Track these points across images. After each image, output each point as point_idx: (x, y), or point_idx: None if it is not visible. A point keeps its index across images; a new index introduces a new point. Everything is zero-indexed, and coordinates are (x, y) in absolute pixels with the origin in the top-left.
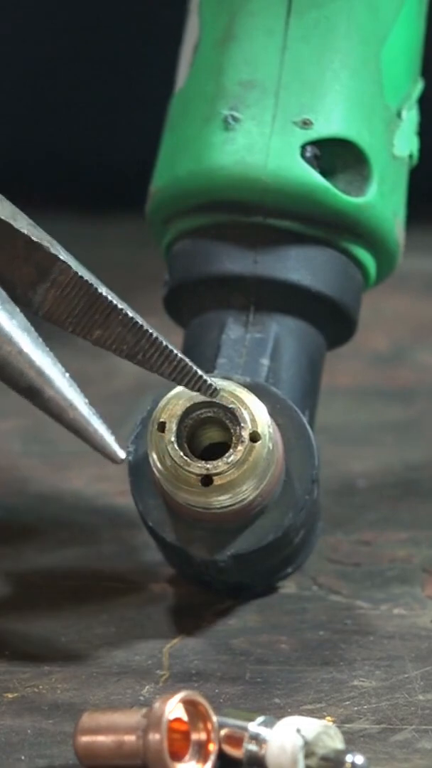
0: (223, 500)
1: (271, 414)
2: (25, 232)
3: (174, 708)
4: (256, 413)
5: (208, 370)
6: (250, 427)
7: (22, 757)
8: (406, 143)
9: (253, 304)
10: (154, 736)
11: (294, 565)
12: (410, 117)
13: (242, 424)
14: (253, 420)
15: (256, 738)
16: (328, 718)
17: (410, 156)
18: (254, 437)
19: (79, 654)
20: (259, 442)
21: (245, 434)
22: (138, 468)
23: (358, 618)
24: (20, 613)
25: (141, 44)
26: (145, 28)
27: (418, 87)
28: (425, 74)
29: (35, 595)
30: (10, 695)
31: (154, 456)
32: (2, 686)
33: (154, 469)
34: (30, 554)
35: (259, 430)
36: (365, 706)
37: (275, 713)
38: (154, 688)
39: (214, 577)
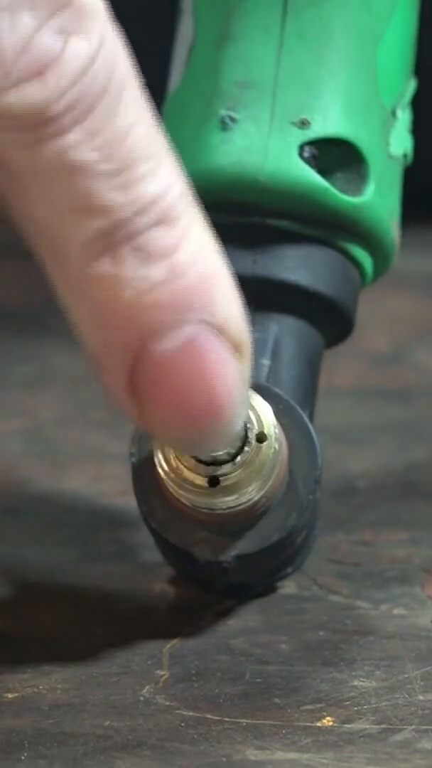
0: (228, 501)
1: (275, 414)
2: None
3: None
4: (262, 414)
5: None
6: (256, 427)
7: (22, 757)
8: (401, 142)
9: (252, 304)
10: None
11: (294, 565)
12: (404, 116)
13: (248, 425)
14: (259, 421)
15: None
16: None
17: (404, 155)
18: (261, 438)
19: (79, 654)
20: (265, 443)
21: (252, 435)
22: (141, 469)
23: (358, 618)
24: (20, 613)
25: (133, 43)
26: (136, 28)
27: (411, 86)
28: (417, 74)
29: (35, 595)
30: (10, 695)
31: (160, 457)
32: (2, 686)
33: (160, 470)
34: (30, 554)
35: (266, 431)
36: (365, 706)
37: (275, 713)
38: (154, 688)
39: (217, 578)
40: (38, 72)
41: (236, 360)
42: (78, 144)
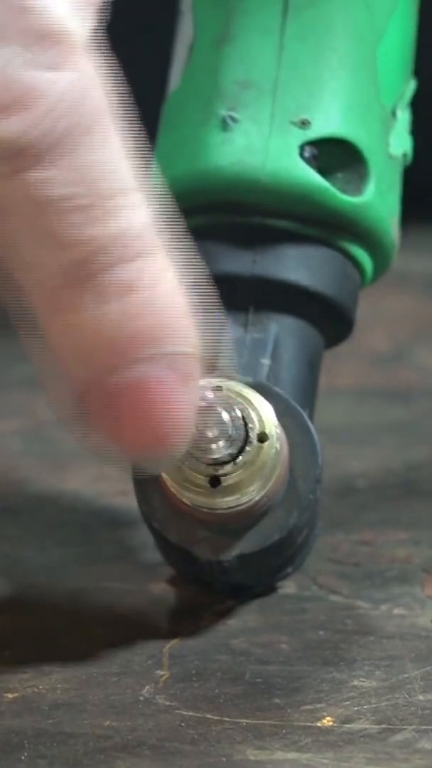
0: (229, 501)
1: (276, 414)
2: None
3: None
4: (263, 413)
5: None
6: (257, 427)
7: (22, 757)
8: (401, 142)
9: (252, 304)
10: None
11: (294, 565)
12: (404, 116)
13: (250, 425)
14: (260, 420)
15: None
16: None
17: (404, 155)
18: (262, 438)
19: (79, 654)
20: (266, 443)
21: (253, 435)
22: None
23: (358, 618)
24: (20, 613)
25: (132, 44)
26: (135, 29)
27: (411, 86)
28: (417, 74)
29: (35, 595)
30: (10, 695)
31: None
32: (2, 686)
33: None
34: (30, 554)
35: (267, 431)
36: (365, 706)
37: (275, 713)
38: (154, 688)
39: (217, 578)
40: (14, 105)
41: (186, 391)
42: (51, 177)
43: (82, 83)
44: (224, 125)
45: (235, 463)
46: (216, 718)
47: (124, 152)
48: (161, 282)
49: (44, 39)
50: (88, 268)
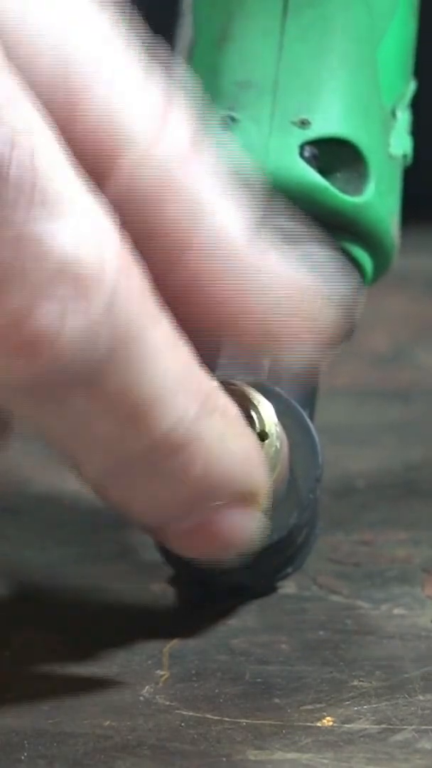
0: None
1: (276, 413)
2: None
3: None
4: (264, 413)
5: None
6: (257, 426)
7: (22, 757)
8: (401, 143)
9: None
10: None
11: (294, 565)
12: (404, 117)
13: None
14: (260, 419)
15: None
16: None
17: (404, 156)
18: (262, 436)
19: (79, 654)
20: (266, 441)
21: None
22: None
23: (358, 618)
24: (20, 613)
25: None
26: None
27: (411, 87)
28: (417, 75)
29: (35, 596)
30: (10, 695)
31: None
32: (2, 686)
33: None
34: (30, 554)
35: (267, 430)
36: (365, 706)
37: (275, 713)
38: (154, 688)
39: (217, 577)
40: (25, 350)
41: (251, 514)
42: (102, 401)
43: (103, 317)
44: (224, 125)
45: None
46: (216, 718)
47: (171, 355)
48: (234, 435)
49: (59, 276)
50: (158, 457)
